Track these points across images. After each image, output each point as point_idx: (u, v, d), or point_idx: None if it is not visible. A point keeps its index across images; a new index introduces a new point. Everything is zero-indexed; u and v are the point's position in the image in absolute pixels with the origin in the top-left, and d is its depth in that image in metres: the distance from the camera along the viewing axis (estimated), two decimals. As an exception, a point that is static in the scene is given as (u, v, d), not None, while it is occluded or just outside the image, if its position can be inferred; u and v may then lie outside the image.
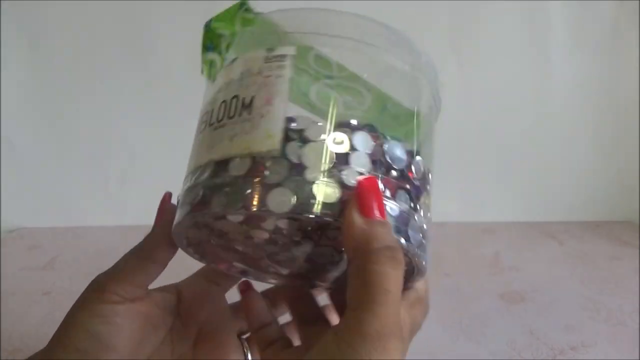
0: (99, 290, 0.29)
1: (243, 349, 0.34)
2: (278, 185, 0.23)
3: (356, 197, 0.23)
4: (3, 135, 0.73)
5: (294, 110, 0.25)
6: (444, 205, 0.77)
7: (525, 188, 0.78)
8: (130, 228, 0.76)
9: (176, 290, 0.33)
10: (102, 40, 0.71)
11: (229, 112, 0.26)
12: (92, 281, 0.30)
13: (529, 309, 0.54)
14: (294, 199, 0.23)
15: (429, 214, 0.27)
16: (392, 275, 0.22)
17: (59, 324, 0.29)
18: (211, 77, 0.29)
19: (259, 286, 0.35)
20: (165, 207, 0.30)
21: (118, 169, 0.76)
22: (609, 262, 0.65)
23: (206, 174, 0.25)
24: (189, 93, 0.73)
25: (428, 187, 0.28)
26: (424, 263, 0.26)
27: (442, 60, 0.75)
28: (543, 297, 0.56)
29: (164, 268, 0.30)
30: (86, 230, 0.75)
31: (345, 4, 0.78)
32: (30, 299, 0.55)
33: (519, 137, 0.77)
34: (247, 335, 0.35)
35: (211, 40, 0.30)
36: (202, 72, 0.29)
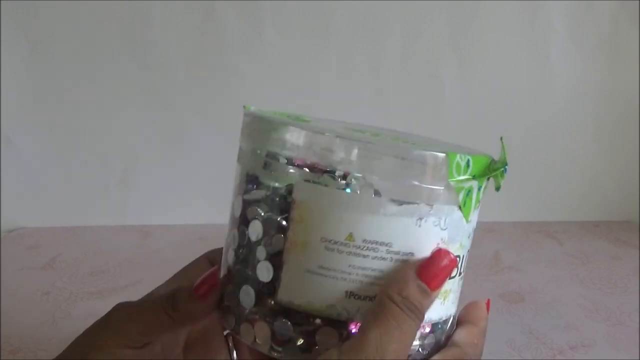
0: (121, 332, 0.28)
1: (228, 347, 0.34)
2: None
3: (426, 260, 0.24)
4: (3, 135, 0.73)
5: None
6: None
7: (525, 188, 0.78)
8: (130, 228, 0.76)
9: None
10: (103, 40, 0.71)
11: (460, 269, 0.27)
12: (114, 315, 0.28)
13: (529, 308, 0.54)
14: None
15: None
16: (405, 322, 0.23)
17: (74, 341, 0.28)
18: (464, 207, 0.25)
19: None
20: (213, 282, 0.28)
21: (118, 169, 0.76)
22: (608, 262, 0.65)
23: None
24: (189, 93, 0.74)
25: None
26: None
27: (442, 60, 0.76)
28: (543, 297, 0.56)
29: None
30: (86, 230, 0.75)
31: (345, 4, 0.78)
32: (30, 299, 0.55)
33: (519, 137, 0.77)
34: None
35: (488, 170, 0.26)
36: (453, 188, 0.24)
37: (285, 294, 0.25)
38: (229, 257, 0.28)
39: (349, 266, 0.23)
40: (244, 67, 0.73)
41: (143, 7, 0.70)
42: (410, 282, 0.23)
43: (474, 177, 0.25)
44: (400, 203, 0.23)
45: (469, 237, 0.27)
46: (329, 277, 0.24)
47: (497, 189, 0.27)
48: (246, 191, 0.27)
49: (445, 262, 0.24)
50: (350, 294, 0.24)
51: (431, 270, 0.24)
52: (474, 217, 0.26)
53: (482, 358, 0.45)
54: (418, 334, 0.25)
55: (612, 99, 0.76)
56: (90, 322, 0.29)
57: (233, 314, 0.27)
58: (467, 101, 0.76)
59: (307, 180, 0.24)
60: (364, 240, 0.23)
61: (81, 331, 0.29)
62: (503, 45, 0.74)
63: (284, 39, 0.72)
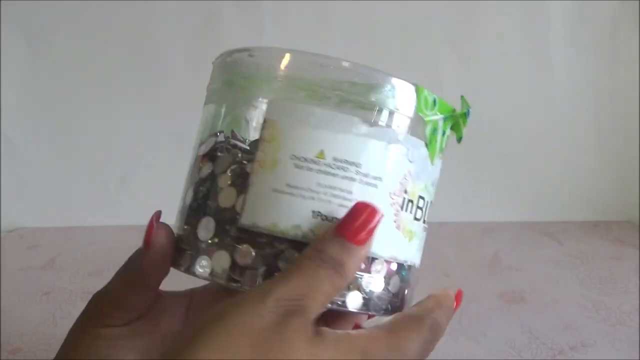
0: (98, 314, 0.28)
1: None
2: None
3: (345, 215, 0.23)
4: (3, 135, 0.73)
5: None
6: (443, 205, 0.78)
7: (525, 188, 0.78)
8: (130, 228, 0.76)
9: (190, 295, 0.32)
10: (103, 40, 0.71)
11: (424, 216, 0.27)
12: (89, 303, 0.28)
13: (529, 308, 0.54)
14: None
15: None
16: (314, 270, 0.22)
17: (60, 348, 0.28)
18: (430, 145, 0.26)
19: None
20: (154, 227, 0.28)
21: (118, 169, 0.76)
22: (608, 262, 0.65)
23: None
24: (189, 93, 0.74)
25: None
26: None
27: (442, 59, 0.76)
28: (542, 297, 0.56)
29: (158, 288, 0.29)
30: (86, 230, 0.75)
31: (345, 3, 0.78)
32: (30, 299, 0.55)
33: (519, 137, 0.77)
34: None
35: (453, 115, 0.27)
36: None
37: (249, 217, 0.23)
38: (186, 199, 0.28)
39: (318, 184, 0.23)
40: (244, 67, 0.73)
41: (143, 8, 0.70)
42: (326, 238, 0.22)
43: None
44: (372, 124, 0.24)
45: (433, 184, 0.27)
46: (296, 196, 0.23)
47: (459, 139, 0.28)
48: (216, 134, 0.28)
49: (364, 215, 0.23)
50: (317, 214, 0.23)
51: (351, 225, 0.22)
52: (437, 163, 0.27)
53: (481, 358, 0.45)
54: (384, 272, 0.25)
55: (612, 99, 0.76)
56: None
57: (189, 253, 0.26)
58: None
59: (281, 98, 0.24)
60: (334, 159, 0.23)
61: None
62: (503, 46, 0.74)
63: (284, 38, 0.72)
